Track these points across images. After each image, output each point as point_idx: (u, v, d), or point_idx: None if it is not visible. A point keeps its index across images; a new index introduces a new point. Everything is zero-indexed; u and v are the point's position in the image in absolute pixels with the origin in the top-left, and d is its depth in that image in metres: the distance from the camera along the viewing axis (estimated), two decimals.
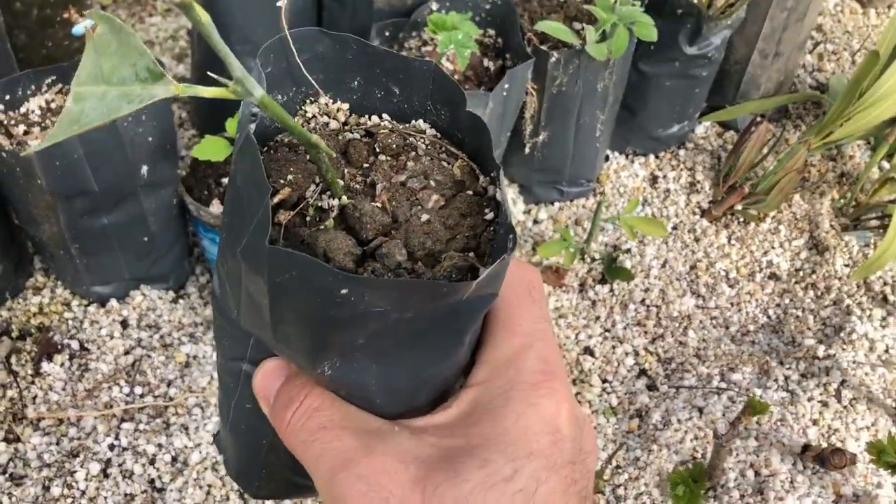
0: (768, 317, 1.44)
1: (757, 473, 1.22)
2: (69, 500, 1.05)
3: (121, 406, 1.13)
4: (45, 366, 1.15)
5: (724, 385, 1.31)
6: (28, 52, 1.26)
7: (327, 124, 0.50)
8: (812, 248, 1.51)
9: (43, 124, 1.10)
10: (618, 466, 1.24)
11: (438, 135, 0.52)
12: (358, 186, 0.49)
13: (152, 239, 1.20)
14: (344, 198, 0.46)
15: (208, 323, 1.26)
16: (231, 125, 1.14)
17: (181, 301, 1.28)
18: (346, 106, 0.50)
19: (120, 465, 1.08)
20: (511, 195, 1.48)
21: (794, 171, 1.40)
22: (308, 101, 0.49)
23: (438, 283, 0.41)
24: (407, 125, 0.52)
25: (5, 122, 1.10)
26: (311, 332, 0.44)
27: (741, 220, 1.52)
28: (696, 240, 1.49)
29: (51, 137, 0.34)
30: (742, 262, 1.48)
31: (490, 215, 0.48)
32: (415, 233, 0.48)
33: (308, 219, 0.47)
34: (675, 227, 1.49)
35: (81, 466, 1.07)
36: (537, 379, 0.40)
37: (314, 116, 0.50)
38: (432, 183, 0.50)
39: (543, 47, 1.25)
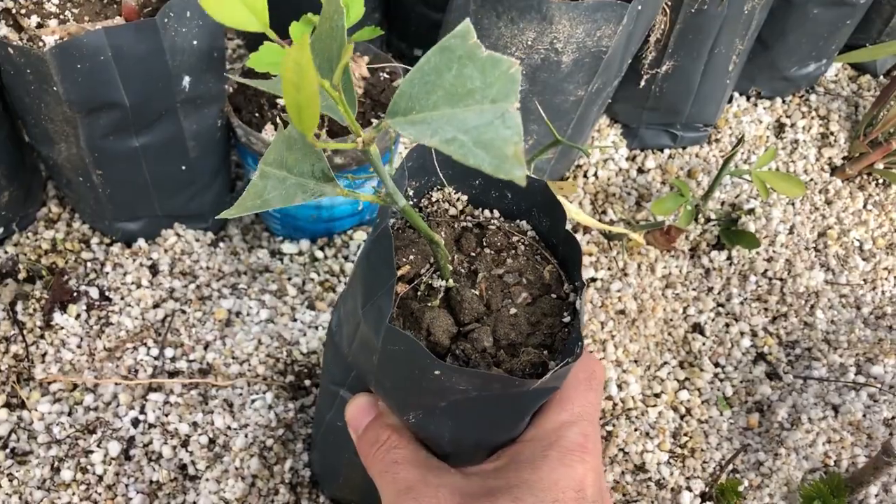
0: None
1: None
2: (82, 487, 0.85)
3: (148, 371, 0.92)
4: (58, 317, 0.95)
5: (861, 380, 1.10)
6: None
7: (447, 210, 0.63)
8: None
9: (61, 16, 0.87)
10: (734, 470, 1.03)
11: (537, 237, 0.64)
12: (463, 271, 0.62)
13: (191, 168, 0.98)
14: (450, 281, 0.59)
15: (253, 272, 1.04)
16: (296, 30, 0.90)
17: (221, 245, 1.06)
18: (465, 198, 0.63)
19: (145, 446, 0.88)
20: (613, 136, 1.24)
21: None
22: (436, 189, 0.62)
23: (513, 378, 0.52)
24: (513, 223, 0.65)
25: (14, 9, 0.86)
26: (406, 391, 0.58)
27: (881, 181, 1.28)
28: (828, 202, 1.25)
29: (237, 208, 0.48)
30: (879, 231, 1.25)
31: (567, 318, 0.60)
32: (502, 323, 0.60)
33: (419, 293, 0.60)
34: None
35: (98, 446, 0.87)
36: (574, 447, 0.51)
37: (437, 201, 0.62)
38: (524, 281, 0.63)
39: None
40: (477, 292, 0.62)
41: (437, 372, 0.54)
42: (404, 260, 0.65)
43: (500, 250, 0.63)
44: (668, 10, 1.03)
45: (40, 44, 0.83)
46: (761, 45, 1.23)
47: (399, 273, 0.63)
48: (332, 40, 0.50)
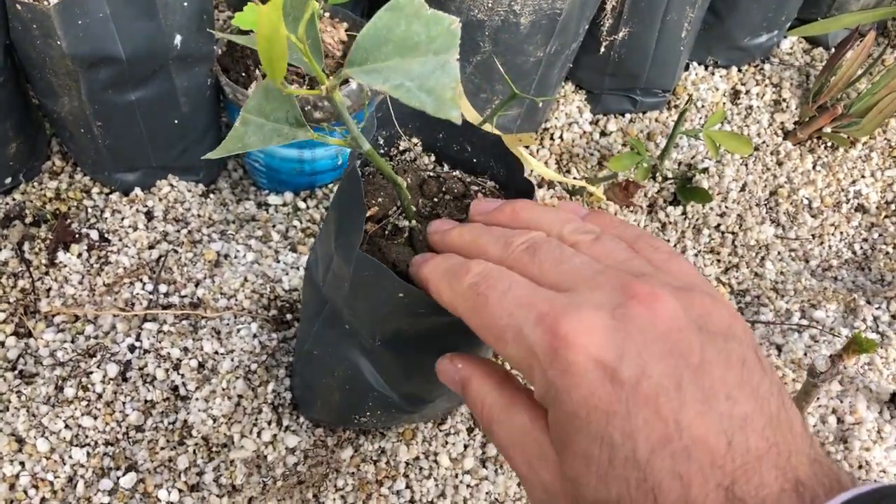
0: (854, 252, 1.30)
1: (840, 420, 1.10)
2: (84, 403, 0.94)
3: (143, 304, 1.01)
4: (61, 256, 1.04)
5: (805, 322, 1.18)
6: None
7: (414, 159, 0.70)
8: None
9: None
10: None
11: (497, 186, 0.71)
12: (426, 213, 0.68)
13: (183, 122, 1.07)
14: (414, 222, 0.65)
15: (241, 221, 1.13)
16: None
17: (212, 196, 1.15)
18: (423, 148, 0.71)
19: (140, 369, 0.97)
20: (578, 103, 1.34)
21: None
22: (403, 139, 0.69)
23: None
24: (474, 177, 0.70)
25: None
26: (373, 314, 0.68)
27: (829, 144, 1.37)
28: (779, 163, 1.34)
29: (220, 150, 0.53)
30: (827, 190, 1.34)
31: None
32: None
33: (386, 232, 0.67)
34: (756, 149, 1.35)
35: (98, 367, 0.96)
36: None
37: (406, 150, 0.70)
38: None
39: None
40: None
41: (400, 294, 0.61)
42: (373, 202, 0.73)
43: (460, 197, 0.69)
44: None
45: (45, 2, 0.92)
46: (715, 17, 1.32)
47: (368, 213, 0.72)
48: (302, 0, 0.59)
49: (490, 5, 1.02)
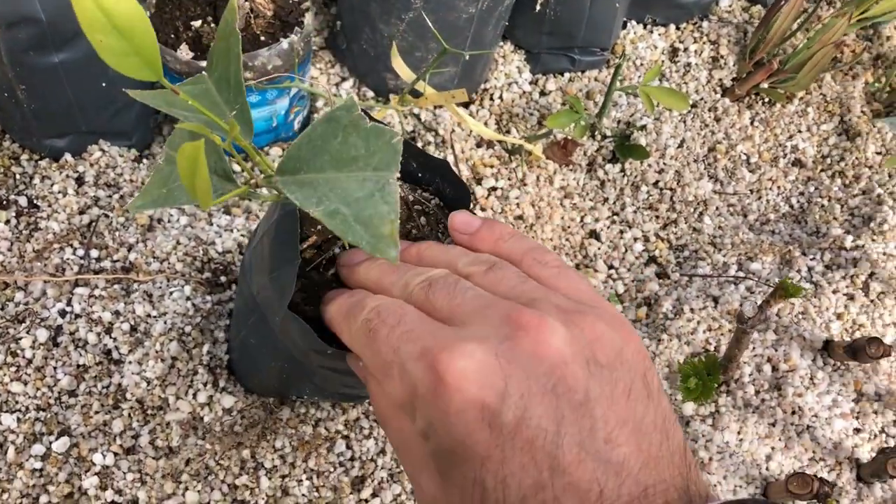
0: (791, 206, 1.32)
1: (775, 368, 1.12)
2: (13, 369, 0.93)
3: (74, 269, 1.00)
4: None
5: (741, 274, 1.20)
6: None
7: None
8: (841, 133, 1.38)
9: None
10: None
11: (442, 204, 0.71)
12: None
13: (111, 84, 1.05)
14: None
15: None
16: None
17: (145, 161, 1.14)
18: None
19: (72, 334, 0.96)
20: (517, 63, 1.33)
21: (830, 44, 1.26)
22: None
23: None
24: (417, 193, 0.70)
25: None
26: (305, 352, 0.68)
27: (766, 100, 1.38)
28: (717, 119, 1.35)
29: (142, 198, 0.53)
30: (765, 145, 1.35)
31: None
32: None
33: (324, 263, 0.67)
34: (694, 105, 1.36)
35: (28, 333, 0.95)
36: None
37: None
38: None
39: None
40: None
41: (328, 352, 0.62)
42: (313, 229, 0.72)
43: (405, 220, 0.69)
44: None
45: None
46: None
47: (307, 244, 0.71)
48: (229, 62, 0.56)
49: None
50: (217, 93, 0.59)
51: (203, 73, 0.60)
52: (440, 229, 0.76)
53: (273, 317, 0.73)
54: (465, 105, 1.28)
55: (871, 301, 1.17)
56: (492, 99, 1.31)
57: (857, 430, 1.10)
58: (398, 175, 0.51)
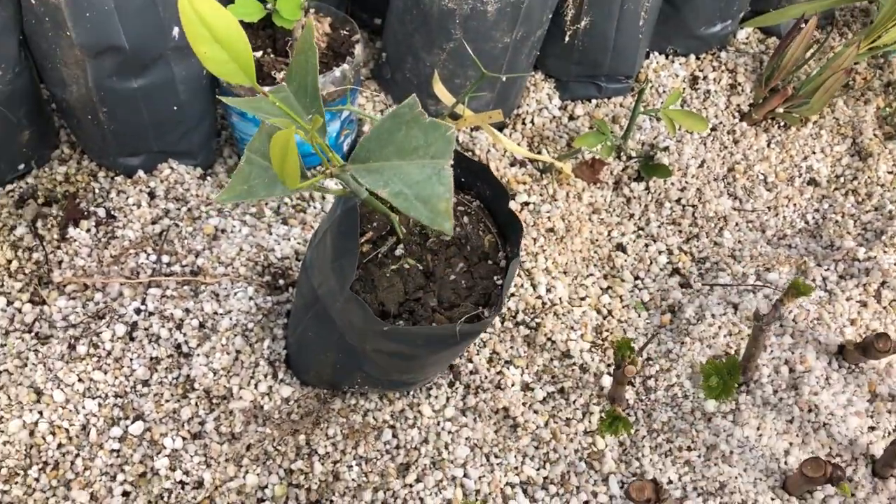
0: (806, 222, 1.40)
1: (791, 370, 1.19)
2: (94, 360, 1.03)
3: (148, 272, 1.11)
4: (72, 231, 1.13)
5: (759, 283, 1.28)
6: None
7: None
8: (854, 154, 1.46)
9: None
10: (648, 358, 1.21)
11: (482, 206, 0.85)
12: (415, 238, 0.84)
13: (181, 109, 1.17)
14: (406, 258, 0.82)
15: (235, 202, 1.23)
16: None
17: (209, 178, 1.25)
18: None
19: (146, 329, 1.06)
20: (547, 90, 1.44)
21: (840, 70, 1.36)
22: None
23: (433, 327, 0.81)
24: (463, 194, 0.85)
25: None
26: (362, 334, 0.85)
27: (782, 123, 1.47)
28: (735, 142, 1.44)
29: (228, 192, 0.64)
30: (781, 166, 1.44)
31: (499, 282, 0.83)
32: (444, 287, 0.83)
33: (379, 257, 0.81)
34: (713, 129, 1.45)
35: (107, 328, 1.05)
36: None
37: None
38: (468, 248, 0.85)
39: None
40: (421, 267, 0.84)
41: (385, 328, 0.77)
42: (369, 226, 0.84)
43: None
44: None
45: None
46: (672, 7, 1.43)
47: (363, 239, 0.83)
48: (306, 74, 0.67)
49: None
50: (296, 99, 0.70)
51: (283, 83, 0.71)
52: (481, 227, 0.87)
53: (334, 303, 0.84)
54: (500, 128, 1.38)
55: (884, 307, 1.24)
56: (524, 123, 1.41)
57: (872, 429, 1.16)
58: (451, 164, 0.61)
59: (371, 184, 0.61)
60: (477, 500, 1.06)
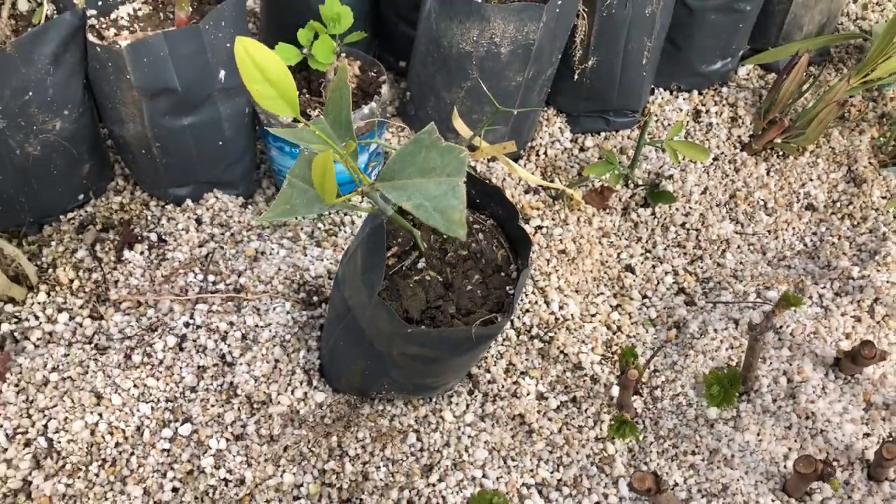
0: (805, 244, 1.49)
1: (790, 380, 1.27)
2: (148, 368, 1.15)
3: (195, 290, 1.22)
4: (127, 254, 1.25)
5: (759, 301, 1.37)
6: None
7: None
8: (849, 181, 1.56)
9: (131, 28, 1.20)
10: (655, 370, 1.30)
11: (496, 224, 0.99)
12: (435, 253, 0.95)
13: (226, 144, 1.29)
14: (427, 271, 0.94)
15: (274, 227, 1.35)
16: (303, 35, 1.23)
17: (250, 207, 1.37)
18: None
19: (194, 341, 1.18)
20: (559, 124, 1.55)
21: (833, 102, 1.46)
22: None
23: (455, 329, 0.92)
24: (478, 214, 0.98)
25: (97, 26, 1.20)
26: (390, 339, 0.95)
27: (780, 153, 1.57)
28: (737, 170, 1.54)
29: (272, 212, 0.75)
30: (780, 192, 1.54)
31: (511, 291, 0.95)
32: (462, 297, 0.95)
33: (404, 269, 0.93)
34: (716, 158, 1.55)
35: (159, 339, 1.17)
36: None
37: None
38: (484, 261, 0.97)
39: None
40: (441, 279, 0.95)
41: (409, 331, 0.89)
42: (394, 242, 0.97)
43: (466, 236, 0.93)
44: (584, 15, 1.34)
45: (117, 46, 1.15)
46: (674, 46, 1.54)
47: (389, 253, 0.95)
48: (341, 108, 0.80)
49: (475, 38, 1.25)
50: (332, 129, 0.82)
51: (321, 116, 0.83)
52: (494, 243, 0.97)
53: (363, 312, 0.95)
54: (516, 159, 1.50)
55: (877, 322, 1.32)
56: (538, 154, 1.52)
57: (867, 435, 1.24)
58: (464, 181, 0.72)
59: (396, 198, 0.72)
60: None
